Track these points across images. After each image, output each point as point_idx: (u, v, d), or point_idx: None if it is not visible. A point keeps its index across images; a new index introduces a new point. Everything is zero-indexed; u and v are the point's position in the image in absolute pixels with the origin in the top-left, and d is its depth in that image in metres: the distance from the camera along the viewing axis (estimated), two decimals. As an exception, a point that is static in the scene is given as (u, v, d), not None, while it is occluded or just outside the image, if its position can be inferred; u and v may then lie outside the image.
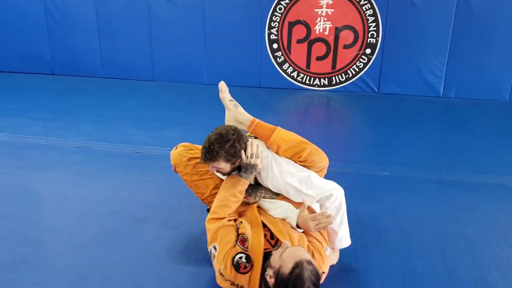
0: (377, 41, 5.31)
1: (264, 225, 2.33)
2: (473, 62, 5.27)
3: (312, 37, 5.42)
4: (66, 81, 6.11)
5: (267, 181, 2.43)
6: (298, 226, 2.31)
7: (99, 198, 3.15)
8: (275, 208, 2.43)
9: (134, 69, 6.04)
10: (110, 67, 6.10)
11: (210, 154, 2.31)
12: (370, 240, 2.73)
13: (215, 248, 2.23)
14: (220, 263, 2.16)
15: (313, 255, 2.20)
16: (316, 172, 2.47)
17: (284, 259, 1.99)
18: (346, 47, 5.40)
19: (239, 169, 2.46)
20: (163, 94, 5.51)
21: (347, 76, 5.53)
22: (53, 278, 2.37)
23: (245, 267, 2.11)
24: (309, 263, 1.95)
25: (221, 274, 2.17)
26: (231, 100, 2.62)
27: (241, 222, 2.31)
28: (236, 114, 2.62)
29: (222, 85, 2.61)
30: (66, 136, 4.21)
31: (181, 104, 5.13)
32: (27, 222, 2.88)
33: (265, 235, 2.25)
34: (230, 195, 2.37)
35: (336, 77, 5.56)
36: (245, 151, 2.35)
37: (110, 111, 4.91)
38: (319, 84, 5.63)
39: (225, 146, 2.30)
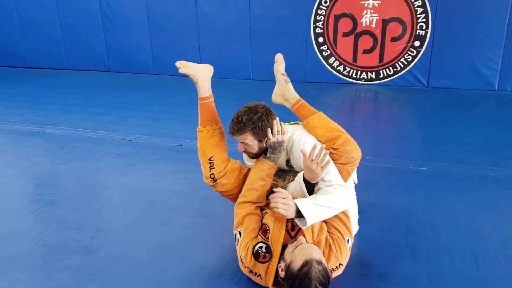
0: (426, 33, 5.13)
1: None
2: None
3: (358, 30, 5.33)
4: (120, 78, 6.43)
5: (299, 160, 2.41)
6: (307, 182, 2.28)
7: (137, 188, 3.32)
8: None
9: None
10: (161, 64, 6.34)
11: (238, 125, 2.35)
12: (399, 235, 2.68)
13: (240, 233, 2.30)
14: (242, 250, 2.24)
15: (330, 247, 2.20)
16: (347, 164, 2.42)
17: (295, 255, 2.01)
18: (394, 39, 5.26)
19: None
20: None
21: (395, 69, 5.39)
22: (88, 261, 2.54)
23: (264, 257, 2.16)
24: (319, 263, 1.96)
25: (241, 260, 2.24)
26: (283, 75, 2.69)
27: (266, 212, 2.36)
28: (284, 90, 2.68)
29: (279, 57, 2.70)
30: (116, 130, 4.45)
31: (226, 100, 5.18)
32: (72, 208, 3.10)
33: (286, 226, 2.28)
34: (259, 178, 2.42)
35: (384, 70, 5.44)
36: (272, 130, 2.39)
37: (157, 106, 5.13)
38: (366, 78, 5.53)
39: (253, 117, 2.33)
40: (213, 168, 2.44)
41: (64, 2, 6.40)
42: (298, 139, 2.44)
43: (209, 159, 2.45)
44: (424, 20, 5.08)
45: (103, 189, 3.36)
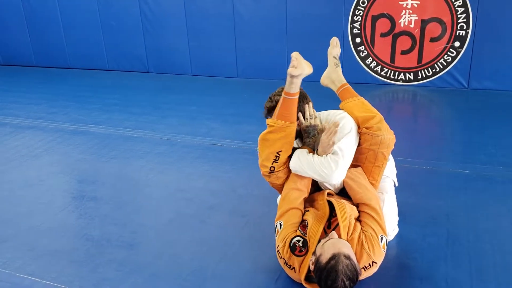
0: (467, 33, 5.01)
1: (332, 207, 2.36)
2: None
3: (396, 30, 5.26)
4: (159, 79, 6.56)
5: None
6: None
7: (176, 186, 3.40)
8: None
9: (220, 66, 6.31)
10: (198, 65, 6.44)
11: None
12: (440, 238, 2.64)
13: (280, 225, 2.33)
14: (280, 241, 2.28)
15: (362, 244, 2.20)
16: (380, 145, 2.42)
17: (325, 248, 2.04)
18: (433, 40, 5.16)
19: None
20: (245, 90, 5.70)
21: (434, 70, 5.29)
22: (131, 256, 2.62)
23: (300, 251, 2.19)
24: (347, 257, 1.97)
25: (278, 251, 2.28)
26: (335, 58, 2.73)
27: (308, 210, 2.39)
28: (332, 73, 2.75)
29: (335, 40, 2.76)
30: (155, 129, 4.56)
31: (262, 100, 5.22)
32: (114, 204, 3.20)
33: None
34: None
35: (422, 71, 5.35)
36: (303, 114, 2.43)
37: (195, 106, 5.20)
38: (404, 79, 5.45)
39: None
40: (277, 162, 2.41)
41: (106, 5, 6.59)
42: (336, 116, 2.49)
43: (277, 153, 2.40)
44: (465, 20, 4.97)
45: (143, 187, 3.45)
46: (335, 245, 2.02)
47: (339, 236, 2.18)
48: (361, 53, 5.51)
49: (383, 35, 5.34)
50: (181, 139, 4.27)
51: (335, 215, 2.34)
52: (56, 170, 3.80)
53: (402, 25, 5.22)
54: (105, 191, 3.39)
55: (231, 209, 3.05)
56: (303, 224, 2.30)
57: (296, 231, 2.28)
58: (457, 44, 5.09)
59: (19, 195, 3.38)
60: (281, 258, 2.27)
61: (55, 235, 2.86)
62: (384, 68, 5.47)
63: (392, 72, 5.47)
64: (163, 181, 3.51)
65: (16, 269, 2.54)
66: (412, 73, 5.39)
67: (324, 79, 2.77)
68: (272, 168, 2.42)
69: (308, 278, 2.19)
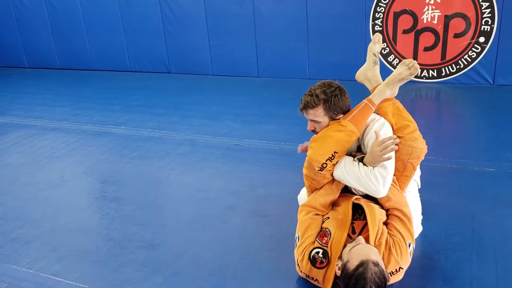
0: (491, 28, 4.89)
1: (359, 209, 2.33)
2: None
3: (419, 26, 5.17)
4: (180, 79, 6.59)
5: (370, 141, 2.37)
6: (364, 164, 2.29)
7: (197, 186, 3.41)
8: None
9: (240, 66, 6.31)
10: (219, 65, 6.45)
11: (310, 98, 2.33)
12: (464, 237, 2.58)
13: (298, 238, 2.30)
14: (299, 255, 2.24)
15: (389, 249, 2.16)
16: (410, 155, 2.38)
17: (352, 255, 1.99)
18: (456, 36, 5.05)
19: None
20: (266, 90, 5.69)
21: (458, 67, 5.18)
22: (152, 256, 2.64)
23: (321, 262, 2.15)
24: (375, 264, 1.93)
25: (298, 265, 2.24)
26: (374, 55, 2.68)
27: (328, 217, 2.34)
28: (369, 70, 2.68)
29: (377, 36, 2.67)
30: (176, 130, 4.58)
31: (282, 99, 5.26)
32: (136, 205, 3.23)
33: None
34: None
35: (446, 68, 5.24)
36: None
37: (216, 107, 5.21)
38: (427, 76, 5.35)
39: (326, 91, 2.33)
40: (331, 161, 2.33)
41: (127, 7, 6.66)
42: (378, 120, 2.41)
43: (335, 152, 2.33)
44: (490, 15, 4.85)
45: (165, 187, 3.48)
46: (362, 251, 1.98)
47: (367, 241, 2.14)
48: (383, 50, 5.43)
49: (405, 31, 5.26)
50: (202, 139, 4.29)
51: (357, 219, 2.31)
52: (79, 171, 3.86)
53: (425, 21, 5.13)
54: (127, 192, 3.43)
55: (252, 209, 3.04)
56: (321, 234, 2.25)
57: (314, 242, 2.24)
58: (482, 39, 4.97)
59: (44, 196, 3.44)
60: (301, 272, 2.23)
61: (78, 235, 2.90)
62: (407, 65, 5.38)
63: (415, 69, 5.37)
64: (184, 181, 3.52)
65: (40, 269, 2.58)
66: (435, 70, 5.29)
67: (360, 75, 2.71)
68: (324, 165, 2.34)
69: (334, 285, 2.14)
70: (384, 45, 5.41)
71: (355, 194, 2.49)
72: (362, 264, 1.92)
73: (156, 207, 3.19)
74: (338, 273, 2.04)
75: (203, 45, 6.40)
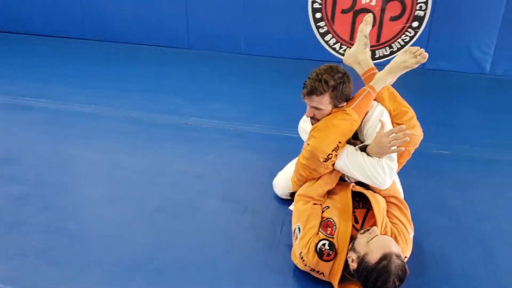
0: (425, 14, 5.09)
1: (361, 198, 2.25)
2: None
3: (357, 7, 5.20)
4: (99, 47, 5.83)
5: (371, 129, 2.31)
6: (367, 154, 2.23)
7: (155, 170, 3.09)
8: None
9: (169, 35, 5.84)
10: (145, 33, 5.90)
11: (318, 84, 2.17)
12: (443, 223, 2.65)
13: (299, 229, 2.16)
14: (302, 248, 2.10)
15: (396, 239, 2.13)
16: (409, 148, 2.38)
17: (371, 247, 1.91)
18: (392, 19, 5.18)
19: None
20: (201, 63, 5.35)
21: (391, 50, 5.34)
22: (130, 252, 2.33)
23: (328, 255, 2.05)
24: (398, 256, 1.87)
25: (302, 258, 2.10)
26: (365, 37, 2.54)
27: (327, 206, 2.23)
28: (360, 53, 2.57)
29: (370, 17, 2.58)
30: (114, 105, 4.08)
31: (221, 75, 4.99)
32: (87, 193, 2.84)
33: None
34: None
35: (380, 50, 5.37)
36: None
37: (153, 80, 4.76)
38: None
39: (334, 76, 2.19)
40: (336, 151, 2.21)
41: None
42: (376, 107, 2.34)
43: (339, 142, 2.21)
44: (424, 0, 5.04)
45: (117, 171, 3.08)
46: (383, 243, 1.91)
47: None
48: (320, 29, 5.39)
49: (344, 11, 5.26)
50: (146, 117, 3.88)
51: (357, 207, 2.24)
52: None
53: (363, 1, 5.17)
54: (67, 178, 2.99)
55: (223, 194, 2.83)
56: (324, 224, 2.15)
57: (318, 233, 2.13)
58: (415, 24, 5.16)
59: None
60: (306, 265, 2.10)
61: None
62: (343, 46, 5.42)
63: (351, 49, 5.44)
64: (137, 164, 3.17)
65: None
66: (370, 52, 5.39)
67: (349, 58, 2.60)
68: (330, 156, 2.20)
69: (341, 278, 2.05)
70: (322, 23, 5.38)
71: (347, 181, 2.42)
72: (385, 257, 1.85)
73: (111, 196, 2.82)
74: (353, 266, 1.96)
75: (127, 10, 5.81)
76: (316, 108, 2.25)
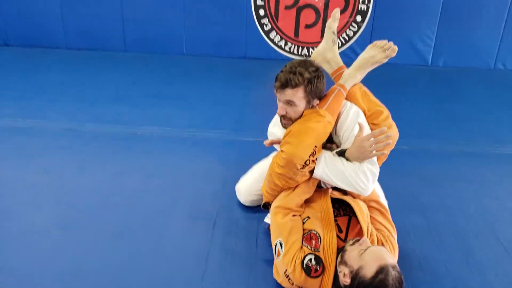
0: (368, 8, 5.10)
1: (340, 204, 2.13)
2: (461, 30, 5.19)
3: (301, 3, 5.10)
4: (25, 54, 5.31)
5: (347, 132, 2.19)
6: (346, 158, 2.10)
7: (107, 189, 2.78)
8: None
9: (103, 38, 5.43)
10: (75, 37, 5.45)
11: (292, 76, 2.03)
12: (420, 221, 2.61)
13: (281, 245, 1.98)
14: (287, 265, 1.93)
15: (383, 246, 2.02)
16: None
17: (366, 260, 1.77)
18: (336, 14, 5.14)
19: None
20: (141, 67, 5.01)
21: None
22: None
23: (316, 270, 1.89)
24: (394, 267, 1.75)
25: (287, 277, 1.93)
26: (333, 33, 2.38)
27: (308, 217, 2.07)
28: (328, 50, 2.42)
29: (338, 13, 2.44)
30: (48, 118, 3.67)
31: (165, 78, 4.70)
32: (35, 223, 2.48)
33: None
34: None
35: (325, 46, 5.32)
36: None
37: (89, 88, 4.36)
38: (307, 54, 5.36)
39: (309, 69, 2.07)
40: (313, 156, 2.05)
41: None
42: (350, 107, 2.21)
43: (315, 146, 2.05)
44: (367, -6, 5.05)
45: (64, 193, 2.73)
46: (377, 255, 1.77)
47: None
48: (265, 26, 5.25)
49: (287, 7, 5.15)
50: (86, 129, 3.53)
51: (338, 215, 2.11)
52: None
53: (306, -3, 5.09)
54: (6, 204, 2.61)
55: (189, 211, 2.59)
56: (307, 236, 1.99)
57: (302, 247, 1.96)
58: (359, 18, 5.15)
59: None
60: (293, 284, 1.93)
61: None
62: (288, 43, 5.31)
63: (296, 47, 5.34)
64: (86, 184, 2.83)
65: None
66: (315, 48, 5.31)
67: (317, 56, 2.44)
68: (307, 162, 2.04)
69: None
70: (266, 20, 5.23)
71: (324, 187, 2.28)
72: (382, 271, 1.72)
73: (61, 223, 2.47)
74: (346, 281, 1.81)
75: (53, 13, 5.32)
76: (289, 103, 2.09)
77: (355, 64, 2.30)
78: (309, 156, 2.04)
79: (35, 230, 2.40)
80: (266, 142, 2.30)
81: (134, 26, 5.30)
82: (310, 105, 2.14)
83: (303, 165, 2.05)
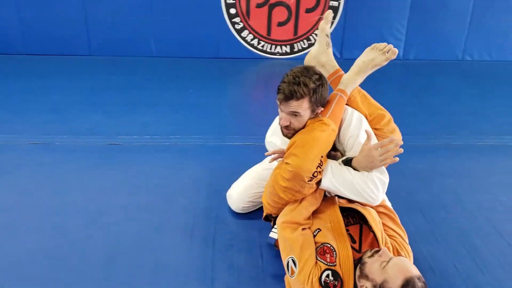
0: (339, 3, 5.05)
1: (349, 212, 2.03)
2: (430, 24, 5.26)
3: (272, 0, 5.00)
4: None
5: (352, 140, 2.10)
6: (353, 168, 2.02)
7: (92, 208, 2.57)
8: None
9: (64, 42, 5.11)
10: (33, 42, 5.11)
11: (297, 87, 1.92)
12: (420, 222, 2.55)
13: (294, 262, 1.87)
14: (304, 283, 1.82)
15: (399, 254, 1.95)
16: None
17: (390, 273, 1.68)
18: (308, 11, 5.07)
19: None
20: (109, 71, 4.76)
21: (309, 42, 5.23)
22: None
23: (335, 286, 1.79)
24: (419, 278, 1.67)
25: None
26: (327, 36, 2.25)
27: (318, 229, 1.96)
28: (322, 54, 2.30)
29: (330, 14, 2.29)
30: (16, 131, 3.40)
31: (137, 82, 4.48)
32: (7, 250, 2.26)
33: None
34: None
35: (299, 43, 5.24)
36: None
37: (57, 95, 4.09)
38: (280, 52, 5.27)
39: (312, 78, 1.96)
40: (320, 167, 1.94)
41: None
42: (351, 113, 2.13)
43: (322, 156, 1.95)
44: (337, -10, 5.00)
45: (47, 215, 2.50)
46: (401, 267, 1.68)
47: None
48: (236, 25, 5.10)
49: (259, 5, 5.02)
50: (59, 141, 3.29)
51: (348, 224, 2.02)
52: None
53: (277, -6, 4.99)
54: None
55: (183, 227, 2.43)
56: (321, 250, 1.89)
57: (317, 263, 1.86)
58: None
59: None
60: None
61: None
62: (261, 42, 5.20)
63: (269, 45, 5.23)
64: (68, 203, 2.61)
65: None
66: (288, 46, 5.24)
67: (311, 60, 2.33)
68: (315, 174, 1.93)
69: None
70: (237, 19, 5.09)
71: (328, 195, 2.18)
72: (408, 283, 1.64)
73: (45, 249, 2.25)
74: (369, 296, 1.72)
75: (9, 16, 4.97)
76: (294, 114, 1.98)
77: (354, 68, 2.21)
78: (317, 168, 1.94)
79: (13, 261, 2.17)
80: (267, 155, 2.18)
81: (98, 28, 5.04)
82: (314, 114, 2.04)
83: (311, 178, 1.94)
